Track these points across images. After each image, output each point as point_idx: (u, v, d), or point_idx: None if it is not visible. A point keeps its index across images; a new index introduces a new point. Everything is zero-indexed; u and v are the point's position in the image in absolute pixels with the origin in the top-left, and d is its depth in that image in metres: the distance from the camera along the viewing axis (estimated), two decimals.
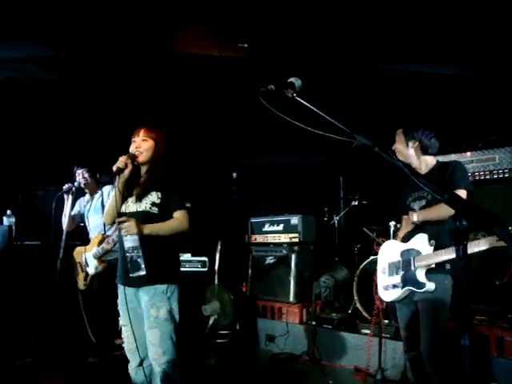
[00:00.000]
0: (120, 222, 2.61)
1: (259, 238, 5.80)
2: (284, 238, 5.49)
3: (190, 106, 5.03)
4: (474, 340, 1.45)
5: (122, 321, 2.82)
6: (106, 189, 4.57)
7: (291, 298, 5.21)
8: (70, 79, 4.34)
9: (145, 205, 2.74)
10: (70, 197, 4.38)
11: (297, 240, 5.36)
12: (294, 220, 5.44)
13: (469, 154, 4.12)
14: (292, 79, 1.70)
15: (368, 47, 3.70)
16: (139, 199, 2.76)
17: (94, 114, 5.25)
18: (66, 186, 4.36)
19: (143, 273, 2.62)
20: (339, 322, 4.66)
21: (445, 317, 2.74)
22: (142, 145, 2.80)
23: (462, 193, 2.65)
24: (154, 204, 2.74)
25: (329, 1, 3.16)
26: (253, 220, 5.97)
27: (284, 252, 5.44)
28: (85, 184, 4.52)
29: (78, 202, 4.69)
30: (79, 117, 5.30)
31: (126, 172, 2.71)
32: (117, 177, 2.69)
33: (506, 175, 3.89)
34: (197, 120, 5.41)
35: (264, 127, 5.63)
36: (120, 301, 2.81)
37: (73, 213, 4.57)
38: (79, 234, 4.89)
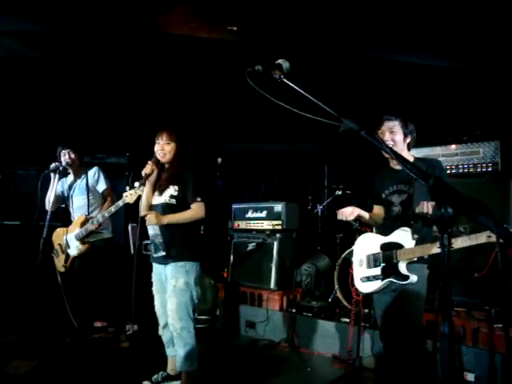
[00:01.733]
0: (144, 216, 3.28)
1: (242, 224, 5.78)
2: (267, 225, 5.48)
3: (176, 88, 4.95)
4: (452, 328, 1.45)
5: (154, 290, 3.48)
6: (92, 170, 4.52)
7: (272, 285, 5.22)
8: (53, 57, 4.24)
9: (164, 197, 3.32)
10: (57, 176, 4.32)
11: (280, 227, 5.35)
12: (278, 207, 5.43)
13: (453, 146, 4.14)
14: (280, 61, 1.67)
15: (357, 35, 3.67)
16: (160, 193, 3.36)
17: (77, 94, 5.15)
18: (52, 165, 4.30)
19: (163, 253, 3.27)
20: (319, 310, 4.69)
21: (422, 305, 2.78)
22: (165, 147, 3.35)
23: None
24: (172, 196, 3.31)
25: None
26: (236, 206, 5.95)
27: (266, 239, 5.43)
28: (70, 164, 4.45)
29: (60, 182, 4.62)
30: (62, 96, 5.19)
31: (153, 176, 3.36)
32: (145, 180, 3.31)
33: (490, 169, 3.93)
34: (182, 103, 5.34)
35: (251, 113, 5.59)
36: (153, 275, 3.47)
37: (56, 193, 4.49)
38: (60, 216, 4.81)
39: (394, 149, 2.83)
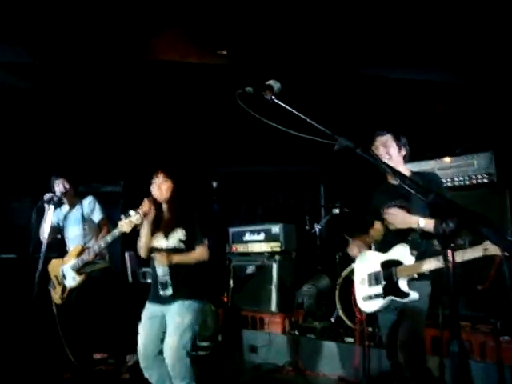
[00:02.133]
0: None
1: (240, 248, 5.73)
2: (265, 247, 5.44)
3: (169, 114, 4.97)
4: (462, 346, 1.42)
5: (141, 329, 3.30)
6: (87, 200, 4.49)
7: (273, 308, 5.15)
8: (45, 86, 4.25)
9: (173, 241, 3.28)
10: (52, 207, 4.28)
11: (278, 249, 5.31)
12: (275, 229, 5.40)
13: (447, 159, 4.14)
14: (270, 82, 1.66)
15: (347, 53, 3.70)
16: (166, 236, 3.30)
17: (69, 123, 5.16)
18: (46, 196, 4.26)
19: (171, 292, 3.21)
20: (322, 331, 4.62)
21: (423, 322, 2.75)
22: (161, 186, 3.32)
23: None
24: (181, 241, 3.27)
25: (308, 6, 3.15)
26: (233, 229, 5.91)
27: (265, 261, 5.38)
28: (64, 194, 4.42)
29: (55, 213, 4.57)
30: (55, 126, 5.19)
31: (151, 215, 3.29)
32: (143, 218, 3.27)
33: (486, 180, 3.93)
34: (176, 128, 5.35)
35: (244, 136, 5.61)
36: (146, 313, 3.32)
37: (51, 224, 4.45)
38: (55, 247, 4.75)
39: (390, 163, 2.84)
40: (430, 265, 2.53)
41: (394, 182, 2.89)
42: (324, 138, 1.53)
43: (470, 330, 3.74)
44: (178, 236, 3.28)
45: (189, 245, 3.27)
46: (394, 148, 2.87)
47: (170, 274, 3.21)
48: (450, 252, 1.39)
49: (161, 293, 3.23)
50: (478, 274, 3.66)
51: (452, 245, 1.39)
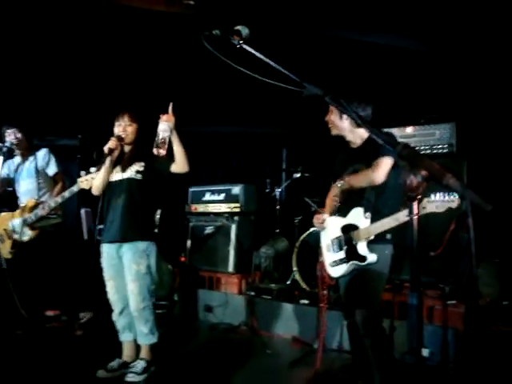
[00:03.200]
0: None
1: (199, 208, 5.69)
2: (225, 208, 5.42)
3: (129, 66, 4.75)
4: (421, 299, 1.45)
5: (106, 276, 3.41)
6: (41, 152, 4.31)
7: (230, 269, 5.18)
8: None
9: (129, 173, 3.35)
10: (1, 158, 4.07)
11: (238, 210, 5.30)
12: (236, 189, 5.37)
13: (410, 128, 4.18)
14: (239, 27, 1.57)
15: (319, 13, 3.61)
16: (123, 170, 3.37)
17: (25, 71, 4.85)
18: None
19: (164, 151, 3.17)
20: (278, 293, 4.69)
21: (382, 285, 2.79)
22: (127, 129, 3.38)
23: (387, 160, 2.62)
24: (137, 172, 3.36)
25: None
26: (193, 189, 5.84)
27: (224, 222, 5.37)
28: (16, 145, 4.21)
29: (5, 165, 4.36)
30: (9, 73, 4.87)
31: (116, 153, 3.34)
32: (108, 156, 3.29)
33: (445, 150, 4.00)
34: (137, 82, 5.13)
35: (207, 95, 5.47)
36: (104, 260, 3.40)
37: (1, 176, 4.24)
38: (6, 200, 4.56)
39: (335, 131, 2.86)
40: (384, 223, 2.56)
41: (355, 146, 2.89)
42: (292, 86, 1.48)
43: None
44: (135, 168, 3.36)
45: (147, 176, 3.36)
46: (333, 115, 2.86)
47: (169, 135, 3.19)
48: (415, 204, 1.39)
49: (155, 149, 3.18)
50: (432, 240, 3.77)
51: (419, 196, 1.39)
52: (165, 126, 3.20)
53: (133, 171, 3.36)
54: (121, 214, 3.32)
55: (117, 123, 3.41)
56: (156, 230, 3.57)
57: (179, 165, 3.29)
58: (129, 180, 3.36)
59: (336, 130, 2.86)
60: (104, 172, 3.36)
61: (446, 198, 2.31)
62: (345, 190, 2.80)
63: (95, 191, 3.43)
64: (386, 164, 2.64)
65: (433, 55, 4.30)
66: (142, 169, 3.37)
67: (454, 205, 2.29)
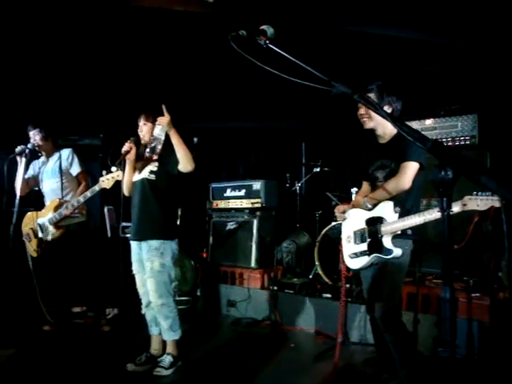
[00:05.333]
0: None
1: (220, 204, 5.72)
2: (246, 204, 5.44)
3: (150, 65, 4.80)
4: (453, 293, 1.46)
5: (134, 270, 3.54)
6: (65, 152, 4.39)
7: (252, 264, 5.20)
8: (21, 33, 4.04)
9: (144, 173, 3.43)
10: (24, 159, 4.16)
11: (259, 205, 5.32)
12: (256, 185, 5.39)
13: (431, 120, 4.14)
14: (264, 27, 1.59)
15: (334, 7, 3.59)
16: (140, 170, 3.47)
17: (49, 74, 4.94)
18: (18, 148, 4.14)
19: (156, 156, 3.38)
20: (300, 287, 4.70)
21: (402, 279, 2.80)
22: (143, 128, 3.47)
23: (414, 165, 2.64)
24: (151, 172, 3.41)
25: None
26: (214, 185, 5.88)
27: (246, 217, 5.40)
28: (39, 146, 4.29)
29: (31, 165, 4.46)
30: (34, 75, 4.97)
31: (131, 155, 3.45)
32: (125, 158, 3.42)
33: (467, 142, 3.96)
34: (157, 81, 5.19)
35: (227, 91, 5.49)
36: (132, 255, 3.53)
37: (26, 176, 4.34)
38: (32, 200, 4.66)
39: (371, 123, 2.82)
40: (413, 221, 2.55)
41: (383, 141, 2.88)
42: (320, 84, 1.49)
43: None
44: (149, 168, 3.43)
45: (160, 176, 3.41)
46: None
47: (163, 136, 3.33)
48: (446, 200, 1.39)
49: (147, 154, 3.39)
50: (455, 234, 3.74)
51: (449, 192, 1.39)
52: (158, 131, 3.33)
53: (147, 171, 3.44)
54: (137, 214, 3.46)
55: (138, 123, 3.52)
56: (176, 228, 3.57)
57: (182, 164, 3.32)
58: (143, 180, 3.44)
59: (373, 122, 2.80)
60: (126, 173, 3.50)
61: (490, 196, 2.27)
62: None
63: (125, 192, 3.58)
64: (411, 169, 2.64)
65: (454, 47, 4.24)
66: (155, 169, 3.43)
67: (498, 204, 2.23)
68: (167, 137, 3.36)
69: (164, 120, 3.26)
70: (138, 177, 3.50)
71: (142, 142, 3.50)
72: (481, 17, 3.86)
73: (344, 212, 3.01)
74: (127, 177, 3.51)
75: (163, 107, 3.28)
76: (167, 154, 3.37)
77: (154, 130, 3.36)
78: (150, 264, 3.36)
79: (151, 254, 3.36)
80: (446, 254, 1.46)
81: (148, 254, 3.37)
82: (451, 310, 1.42)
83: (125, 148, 3.43)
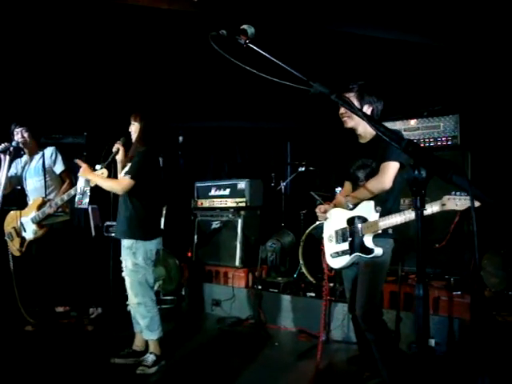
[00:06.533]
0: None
1: (205, 203, 5.72)
2: (231, 203, 5.45)
3: (135, 63, 4.77)
4: (426, 290, 1.48)
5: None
6: (48, 150, 4.35)
7: (237, 263, 5.21)
8: (5, 30, 3.99)
9: (123, 173, 3.45)
10: (8, 157, 4.11)
11: (243, 204, 5.33)
12: (241, 184, 5.39)
13: (414, 121, 4.19)
14: (245, 26, 1.61)
15: (319, 7, 3.61)
16: (121, 170, 3.53)
17: (32, 71, 4.88)
18: (2, 146, 4.09)
19: (86, 201, 3.51)
20: (285, 286, 4.73)
21: (382, 279, 2.83)
22: (132, 128, 3.52)
23: (394, 165, 2.68)
24: (126, 173, 3.40)
25: None
26: (199, 184, 5.87)
27: (230, 216, 5.40)
28: (24, 144, 4.24)
29: (13, 164, 4.41)
30: (16, 73, 4.91)
31: (119, 154, 3.54)
32: (115, 158, 3.54)
33: (450, 142, 4.01)
34: (142, 79, 5.16)
35: (212, 90, 5.49)
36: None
37: (9, 174, 4.29)
38: (14, 199, 4.60)
39: (351, 123, 2.85)
40: (394, 220, 2.58)
41: (363, 140, 2.91)
42: (299, 84, 1.51)
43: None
44: (126, 169, 3.47)
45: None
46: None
47: (89, 186, 3.47)
48: (420, 199, 1.41)
49: (76, 205, 3.55)
50: (437, 232, 3.80)
51: (423, 191, 1.42)
52: (81, 183, 3.50)
53: (124, 171, 3.47)
54: (118, 213, 3.54)
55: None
56: (154, 229, 3.54)
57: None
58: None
59: (353, 121, 2.83)
60: (118, 173, 3.57)
61: (468, 196, 2.30)
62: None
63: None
64: (391, 169, 2.68)
65: (437, 48, 4.29)
66: (128, 169, 3.45)
67: (476, 204, 2.24)
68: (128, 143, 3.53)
69: (85, 171, 3.44)
70: (120, 176, 3.54)
71: (133, 140, 3.54)
72: (463, 19, 3.92)
73: (325, 212, 3.03)
74: (118, 175, 3.56)
75: (79, 161, 3.49)
76: (134, 157, 3.43)
77: (78, 183, 3.54)
78: (124, 262, 3.45)
79: (125, 252, 3.43)
80: (419, 251, 1.49)
81: (123, 252, 3.46)
82: (424, 307, 1.44)
83: (114, 149, 3.52)
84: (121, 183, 3.36)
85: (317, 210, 3.10)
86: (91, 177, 3.42)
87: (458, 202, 2.34)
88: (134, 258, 3.37)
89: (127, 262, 3.40)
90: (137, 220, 3.41)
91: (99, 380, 3.28)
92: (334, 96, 1.49)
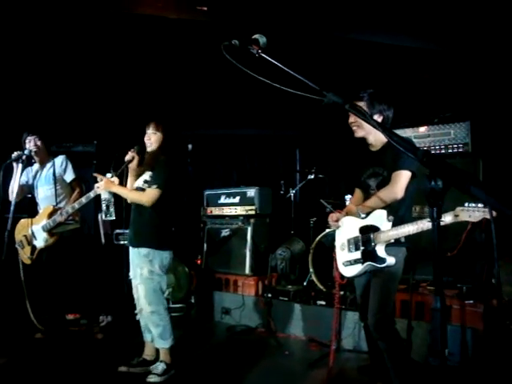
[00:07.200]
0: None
1: (215, 211, 5.72)
2: (240, 211, 5.44)
3: (144, 72, 4.81)
4: (443, 302, 1.46)
5: (131, 275, 3.55)
6: (59, 159, 4.38)
7: (247, 271, 5.19)
8: (14, 40, 4.04)
9: (139, 182, 3.46)
10: (20, 165, 4.13)
11: (253, 212, 5.32)
12: (251, 192, 5.39)
13: (425, 128, 4.16)
14: (256, 36, 1.60)
15: (328, 15, 3.62)
16: (137, 178, 3.52)
17: (43, 80, 4.93)
18: (14, 154, 4.12)
19: (113, 217, 3.56)
20: (295, 294, 4.70)
21: (395, 287, 2.80)
22: (151, 137, 3.45)
23: (406, 174, 2.66)
24: (145, 181, 3.42)
25: None
26: (208, 192, 5.88)
27: (240, 224, 5.40)
28: (35, 152, 4.27)
29: (25, 172, 4.43)
30: (28, 83, 4.96)
31: (133, 163, 3.49)
32: (128, 166, 3.49)
33: (461, 149, 3.98)
34: (151, 88, 5.19)
35: (221, 98, 5.51)
36: (130, 261, 3.54)
37: (20, 182, 4.31)
38: (25, 206, 4.63)
39: (361, 132, 2.83)
40: (406, 229, 2.55)
41: (374, 148, 2.89)
42: (312, 94, 1.50)
43: None
44: (144, 177, 3.47)
45: (150, 186, 3.41)
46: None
47: (112, 200, 3.52)
48: (436, 210, 1.39)
49: (104, 218, 3.60)
50: (448, 241, 3.76)
51: (440, 202, 1.39)
52: (105, 195, 3.50)
53: (141, 180, 3.47)
54: (132, 221, 3.52)
55: (146, 131, 3.52)
56: (169, 239, 3.53)
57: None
58: (137, 189, 3.47)
59: (363, 131, 2.81)
60: (129, 182, 3.56)
61: (481, 207, 2.26)
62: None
63: (128, 199, 3.62)
64: (403, 178, 2.65)
65: (447, 54, 4.27)
66: (149, 178, 3.44)
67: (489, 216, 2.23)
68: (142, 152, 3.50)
69: (106, 185, 3.42)
70: (134, 184, 3.53)
71: (149, 149, 3.49)
72: (474, 25, 3.90)
73: (337, 220, 3.01)
74: (129, 185, 3.56)
75: (98, 176, 3.48)
76: (158, 169, 3.42)
77: (102, 197, 3.54)
78: (139, 270, 3.40)
79: (141, 260, 3.39)
80: (436, 263, 1.46)
81: (138, 259, 3.41)
82: (442, 319, 1.42)
83: (127, 157, 3.47)
84: (148, 195, 3.35)
85: (329, 219, 3.07)
86: (116, 189, 3.43)
87: (471, 213, 2.31)
88: (151, 266, 3.36)
89: (143, 269, 3.37)
90: (154, 229, 3.41)
91: None
92: (348, 106, 1.48)
